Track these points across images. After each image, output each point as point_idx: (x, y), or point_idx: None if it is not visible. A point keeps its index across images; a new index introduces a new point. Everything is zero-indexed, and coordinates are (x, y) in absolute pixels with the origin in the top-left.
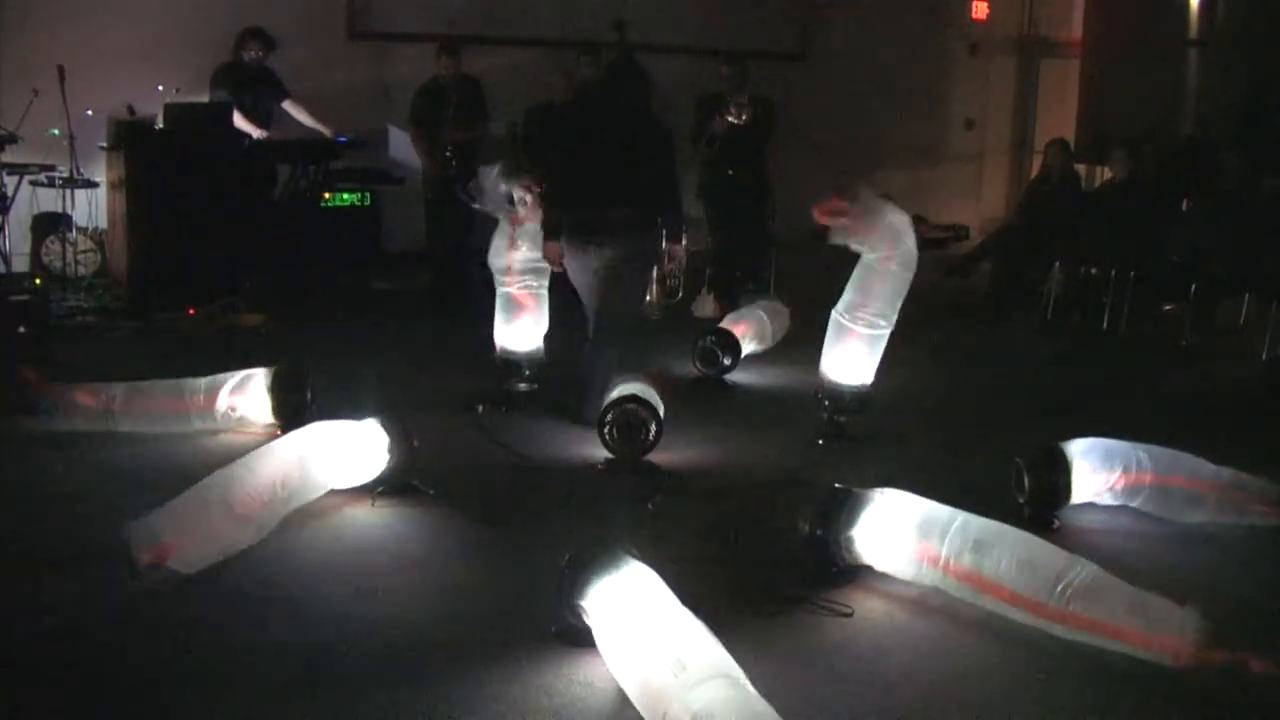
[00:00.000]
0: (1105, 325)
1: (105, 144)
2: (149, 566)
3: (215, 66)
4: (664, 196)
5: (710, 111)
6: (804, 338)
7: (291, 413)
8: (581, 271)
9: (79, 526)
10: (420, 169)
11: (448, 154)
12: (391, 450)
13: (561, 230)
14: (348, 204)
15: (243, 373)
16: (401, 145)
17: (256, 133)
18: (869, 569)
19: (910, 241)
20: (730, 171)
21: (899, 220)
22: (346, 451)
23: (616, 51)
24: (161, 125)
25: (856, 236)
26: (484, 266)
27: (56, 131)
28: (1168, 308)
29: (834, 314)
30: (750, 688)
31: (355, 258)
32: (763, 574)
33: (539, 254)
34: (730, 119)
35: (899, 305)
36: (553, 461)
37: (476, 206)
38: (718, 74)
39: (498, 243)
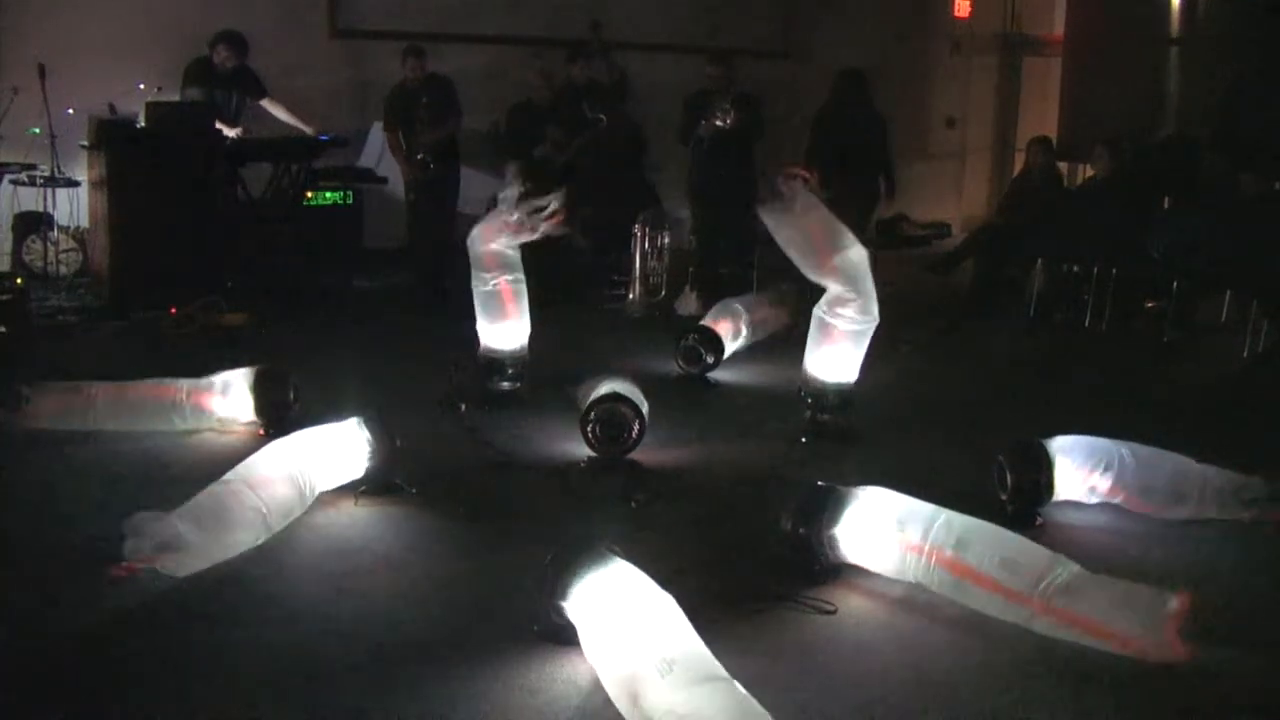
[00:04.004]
0: (1087, 323)
1: (86, 143)
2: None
3: (187, 62)
4: (881, 165)
5: (697, 110)
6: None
7: (274, 412)
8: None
9: (61, 527)
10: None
11: (422, 157)
12: (374, 450)
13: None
14: (330, 203)
15: (225, 374)
16: (373, 154)
17: (230, 131)
18: (852, 567)
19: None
20: (719, 173)
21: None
22: (335, 457)
23: (598, 49)
24: (143, 124)
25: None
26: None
27: (37, 130)
28: (1149, 305)
29: (816, 311)
30: (739, 687)
31: (338, 256)
32: (746, 572)
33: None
34: (717, 123)
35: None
36: (536, 460)
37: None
38: (702, 72)
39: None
